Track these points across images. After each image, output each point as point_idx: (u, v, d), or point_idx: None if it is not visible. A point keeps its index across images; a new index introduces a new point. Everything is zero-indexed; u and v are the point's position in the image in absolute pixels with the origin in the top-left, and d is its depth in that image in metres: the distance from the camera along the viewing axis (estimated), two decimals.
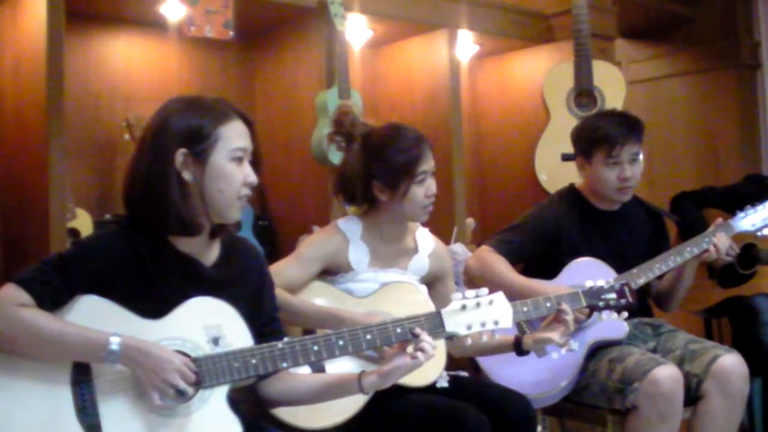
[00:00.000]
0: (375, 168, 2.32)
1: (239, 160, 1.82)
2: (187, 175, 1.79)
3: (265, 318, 1.96)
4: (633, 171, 2.74)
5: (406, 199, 2.32)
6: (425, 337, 1.86)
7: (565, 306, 2.24)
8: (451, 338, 2.01)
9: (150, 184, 1.78)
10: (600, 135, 2.74)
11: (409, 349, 1.86)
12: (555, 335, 2.24)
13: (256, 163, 1.88)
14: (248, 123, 1.87)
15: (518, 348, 2.32)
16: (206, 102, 1.85)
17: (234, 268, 1.91)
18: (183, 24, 3.01)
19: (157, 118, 1.83)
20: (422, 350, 1.84)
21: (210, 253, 1.89)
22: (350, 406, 2.17)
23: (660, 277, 2.77)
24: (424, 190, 2.33)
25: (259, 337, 1.87)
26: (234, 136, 1.82)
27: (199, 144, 1.78)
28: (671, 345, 2.72)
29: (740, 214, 2.77)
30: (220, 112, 1.83)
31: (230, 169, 1.81)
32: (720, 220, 2.78)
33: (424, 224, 2.49)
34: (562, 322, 2.23)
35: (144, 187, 1.79)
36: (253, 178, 1.84)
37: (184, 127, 1.79)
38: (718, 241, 2.68)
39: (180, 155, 1.78)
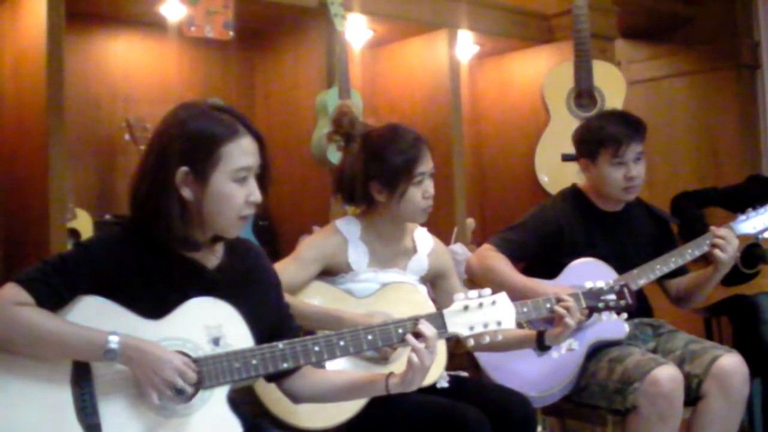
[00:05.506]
0: (373, 168, 2.32)
1: (242, 179, 1.79)
2: (187, 193, 1.77)
3: (277, 316, 1.97)
4: (638, 170, 2.75)
5: (403, 201, 2.32)
6: (427, 331, 1.85)
7: (562, 308, 2.21)
8: (450, 339, 2.01)
9: (150, 200, 1.77)
10: (605, 135, 2.74)
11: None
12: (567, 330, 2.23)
13: (264, 178, 1.85)
14: (258, 138, 1.83)
15: (540, 342, 2.27)
16: (214, 114, 1.80)
17: (238, 271, 1.91)
18: (183, 24, 3.01)
19: (162, 128, 1.80)
20: (415, 350, 1.84)
21: (213, 256, 1.89)
22: (351, 406, 2.17)
23: (669, 276, 2.77)
24: (422, 191, 2.33)
25: (275, 335, 1.87)
26: (238, 155, 1.78)
27: (201, 162, 1.75)
28: (671, 345, 2.72)
29: (741, 217, 2.76)
30: (227, 127, 1.78)
31: (231, 191, 1.78)
32: (713, 227, 2.76)
33: (424, 224, 2.49)
34: (562, 323, 2.22)
35: (144, 202, 1.78)
36: (256, 196, 1.82)
37: (188, 143, 1.76)
38: (721, 236, 2.66)
39: (181, 173, 1.76)
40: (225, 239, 1.90)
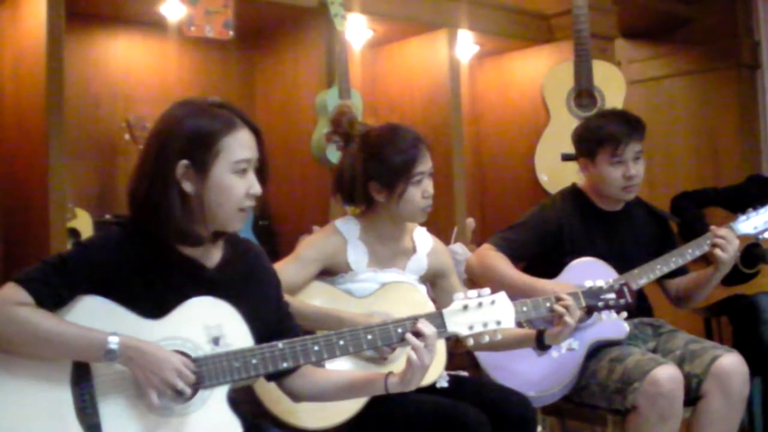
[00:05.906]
0: (372, 168, 2.32)
1: (242, 171, 1.80)
2: (188, 187, 1.78)
3: (277, 315, 1.97)
4: (637, 169, 2.76)
5: (402, 200, 2.32)
6: (426, 330, 1.85)
7: (561, 307, 2.21)
8: (449, 338, 2.01)
9: (151, 196, 1.77)
10: (603, 134, 2.75)
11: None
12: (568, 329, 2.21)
13: (262, 172, 1.86)
14: (255, 131, 1.84)
15: (539, 341, 2.26)
16: (212, 110, 1.81)
17: (238, 270, 1.91)
18: (183, 24, 3.01)
19: (161, 125, 1.81)
20: (414, 349, 1.84)
21: (213, 256, 1.89)
22: (350, 406, 2.17)
23: (669, 276, 2.76)
24: (421, 191, 2.32)
25: (275, 335, 1.87)
26: (237, 147, 1.79)
27: (201, 156, 1.76)
28: (671, 345, 2.72)
29: (742, 217, 2.75)
30: (225, 121, 1.79)
31: (232, 182, 1.79)
32: (713, 227, 2.76)
33: (424, 224, 2.49)
34: (561, 322, 2.21)
35: (145, 198, 1.78)
36: (256, 189, 1.82)
37: (187, 139, 1.76)
38: (722, 236, 2.66)
39: (181, 167, 1.77)
40: (225, 238, 1.90)
